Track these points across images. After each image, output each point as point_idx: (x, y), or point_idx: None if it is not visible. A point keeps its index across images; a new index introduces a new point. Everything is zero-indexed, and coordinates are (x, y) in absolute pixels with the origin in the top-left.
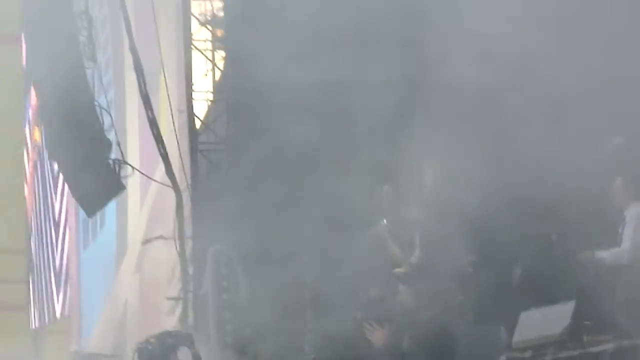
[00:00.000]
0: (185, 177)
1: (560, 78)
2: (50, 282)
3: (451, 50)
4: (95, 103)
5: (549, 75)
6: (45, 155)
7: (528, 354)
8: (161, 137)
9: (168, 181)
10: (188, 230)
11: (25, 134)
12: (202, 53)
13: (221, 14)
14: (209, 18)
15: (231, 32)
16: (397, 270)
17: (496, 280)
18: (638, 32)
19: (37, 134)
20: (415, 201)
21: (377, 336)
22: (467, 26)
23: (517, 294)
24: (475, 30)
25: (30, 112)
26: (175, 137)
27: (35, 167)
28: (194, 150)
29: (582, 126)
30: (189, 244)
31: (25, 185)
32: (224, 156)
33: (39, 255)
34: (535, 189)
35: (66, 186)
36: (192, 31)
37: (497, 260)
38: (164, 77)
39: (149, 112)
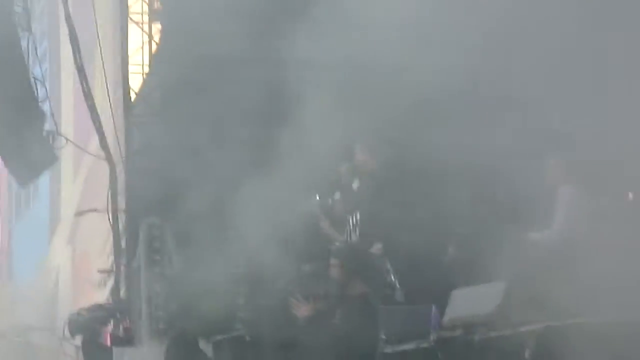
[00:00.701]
0: (120, 149)
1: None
2: None
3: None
4: (30, 74)
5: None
6: None
7: (458, 332)
8: (96, 109)
9: (102, 154)
10: (121, 203)
11: None
12: (138, 26)
13: None
14: None
15: (167, 5)
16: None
17: (428, 259)
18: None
19: None
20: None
21: (303, 311)
22: None
23: (450, 273)
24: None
25: None
26: (110, 109)
27: None
28: (128, 123)
29: (515, 107)
30: (122, 217)
31: None
32: (159, 129)
33: None
34: (468, 169)
35: None
36: (129, 4)
37: (429, 239)
38: (100, 49)
39: (84, 84)
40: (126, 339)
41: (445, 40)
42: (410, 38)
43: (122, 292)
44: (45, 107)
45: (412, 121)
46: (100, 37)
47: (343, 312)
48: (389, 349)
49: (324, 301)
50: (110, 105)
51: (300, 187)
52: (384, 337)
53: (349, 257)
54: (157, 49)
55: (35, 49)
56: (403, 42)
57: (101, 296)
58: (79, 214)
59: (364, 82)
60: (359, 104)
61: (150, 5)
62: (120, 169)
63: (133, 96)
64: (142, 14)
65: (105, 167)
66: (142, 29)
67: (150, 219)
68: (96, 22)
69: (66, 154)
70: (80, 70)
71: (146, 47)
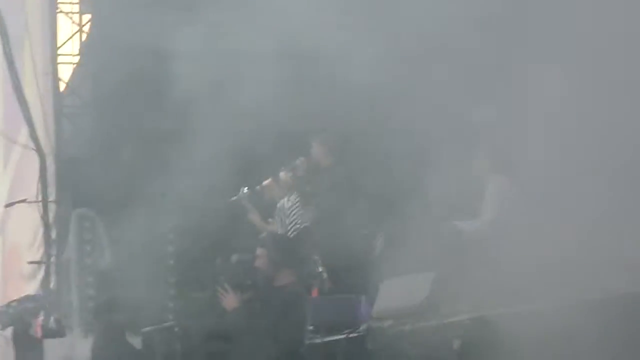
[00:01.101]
0: (50, 140)
1: None
2: None
3: None
4: None
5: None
6: None
7: (388, 323)
8: (25, 99)
9: (32, 144)
10: (52, 194)
11: None
12: (67, 16)
13: None
14: None
15: None
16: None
17: (358, 250)
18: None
19: None
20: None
21: (229, 301)
22: None
23: (379, 264)
24: None
25: None
26: (39, 100)
27: None
28: (58, 113)
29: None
30: (52, 208)
31: None
32: (89, 120)
33: None
34: (400, 159)
35: None
36: None
37: (358, 230)
38: (29, 39)
39: (13, 75)
40: (57, 331)
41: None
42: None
43: (53, 284)
44: None
45: (344, 111)
46: (29, 28)
47: (270, 302)
48: (317, 340)
49: (252, 292)
50: (40, 95)
51: (229, 178)
52: (311, 327)
53: (275, 248)
54: (87, 39)
55: None
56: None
57: (31, 288)
58: (9, 205)
59: (304, 73)
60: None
61: None
62: (50, 160)
63: (63, 87)
64: (71, 4)
65: (35, 158)
66: (72, 20)
67: (80, 209)
68: (25, 13)
69: None
70: (10, 60)
71: (76, 37)
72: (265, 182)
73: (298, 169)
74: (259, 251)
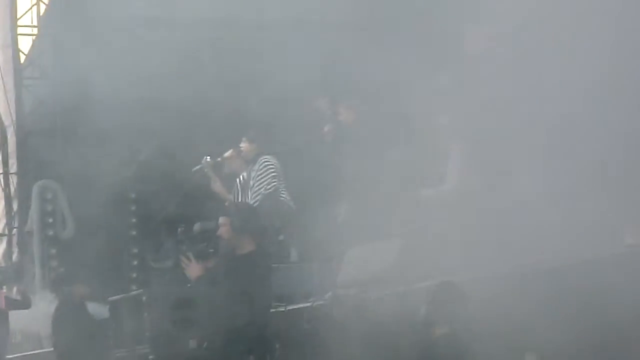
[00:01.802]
0: (10, 112)
1: None
2: None
3: None
4: None
5: None
6: None
7: (353, 291)
8: None
9: None
10: (13, 166)
11: None
12: None
13: None
14: None
15: None
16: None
17: (321, 218)
18: None
19: None
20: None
21: (192, 270)
22: None
23: (344, 231)
24: None
25: None
26: None
27: None
28: (18, 85)
29: None
30: (13, 180)
31: None
32: (50, 91)
33: None
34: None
35: None
36: None
37: (322, 198)
38: None
39: None
40: (21, 302)
41: None
42: None
43: (15, 256)
44: None
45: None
46: None
47: (233, 270)
48: (281, 308)
49: (215, 260)
50: (0, 67)
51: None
52: (276, 295)
53: (238, 216)
54: (46, 11)
55: None
56: None
57: None
58: None
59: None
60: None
61: None
62: (11, 131)
63: (23, 58)
64: None
65: None
66: None
67: (42, 181)
68: None
69: None
70: None
71: (35, 9)
72: (227, 154)
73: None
74: (222, 220)
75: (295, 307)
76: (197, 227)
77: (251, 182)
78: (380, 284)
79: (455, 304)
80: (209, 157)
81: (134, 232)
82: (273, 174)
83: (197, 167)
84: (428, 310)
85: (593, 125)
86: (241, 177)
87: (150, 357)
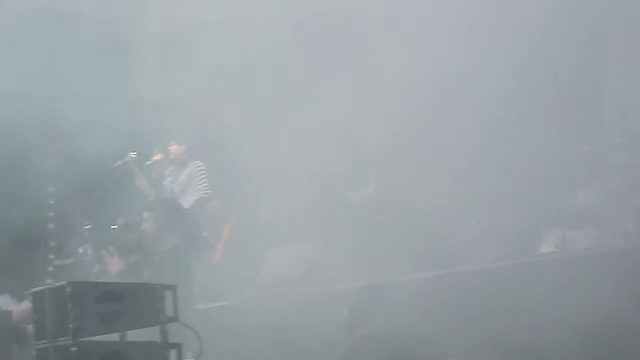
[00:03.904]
0: None
1: None
2: None
3: None
4: None
5: None
6: None
7: (273, 291)
8: None
9: None
10: None
11: None
12: None
13: None
14: None
15: None
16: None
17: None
18: None
19: None
20: None
21: (113, 264)
22: None
23: (265, 232)
24: None
25: None
26: None
27: None
28: None
29: None
30: None
31: None
32: None
33: None
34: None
35: None
36: None
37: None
38: None
39: None
40: None
41: None
42: None
43: None
44: None
45: None
46: None
47: (155, 266)
48: (201, 305)
49: (137, 255)
50: None
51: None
52: (196, 292)
53: (162, 211)
54: None
55: None
56: None
57: None
58: None
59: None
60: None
61: None
62: None
63: None
64: None
65: None
66: None
67: None
68: None
69: None
70: None
71: None
72: (156, 157)
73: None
74: (146, 214)
75: (214, 305)
76: (120, 221)
77: (179, 187)
78: (302, 285)
79: (377, 306)
80: (133, 153)
81: (51, 226)
82: (205, 179)
83: (119, 162)
84: (350, 312)
85: (510, 131)
86: (168, 179)
87: (73, 349)
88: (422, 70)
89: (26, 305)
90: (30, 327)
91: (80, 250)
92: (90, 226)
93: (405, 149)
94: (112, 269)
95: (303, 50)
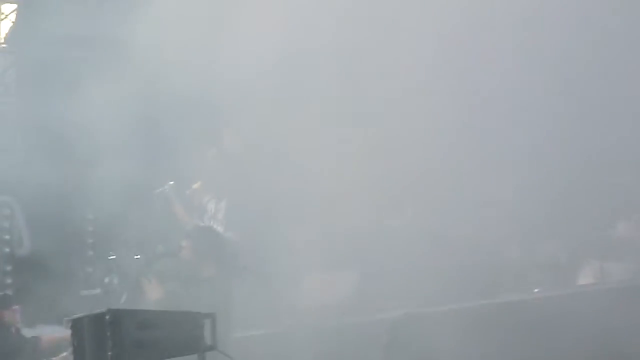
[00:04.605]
0: None
1: None
2: None
3: None
4: None
5: None
6: None
7: (311, 319)
8: None
9: None
10: None
11: None
12: None
13: None
14: None
15: None
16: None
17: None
18: None
19: None
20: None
21: (152, 292)
22: None
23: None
24: None
25: None
26: None
27: None
28: None
29: None
30: None
31: None
32: (13, 109)
33: None
34: None
35: None
36: None
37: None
38: None
39: None
40: None
41: None
42: None
43: None
44: None
45: None
46: None
47: (194, 294)
48: (240, 333)
49: (176, 283)
50: None
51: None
52: (235, 320)
53: (200, 239)
54: (12, 28)
55: None
56: None
57: None
58: None
59: None
60: None
61: None
62: None
63: None
64: None
65: None
66: None
67: None
68: None
69: None
70: None
71: (2, 25)
72: (196, 185)
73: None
74: (184, 242)
75: (254, 333)
76: (159, 249)
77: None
78: (340, 313)
79: (416, 336)
80: (172, 182)
81: (90, 253)
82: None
83: (160, 189)
84: (389, 342)
85: (551, 162)
86: (209, 207)
87: None
88: (464, 95)
89: (57, 332)
90: (62, 356)
91: (106, 280)
92: (114, 257)
93: (445, 175)
94: (150, 296)
95: (344, 70)
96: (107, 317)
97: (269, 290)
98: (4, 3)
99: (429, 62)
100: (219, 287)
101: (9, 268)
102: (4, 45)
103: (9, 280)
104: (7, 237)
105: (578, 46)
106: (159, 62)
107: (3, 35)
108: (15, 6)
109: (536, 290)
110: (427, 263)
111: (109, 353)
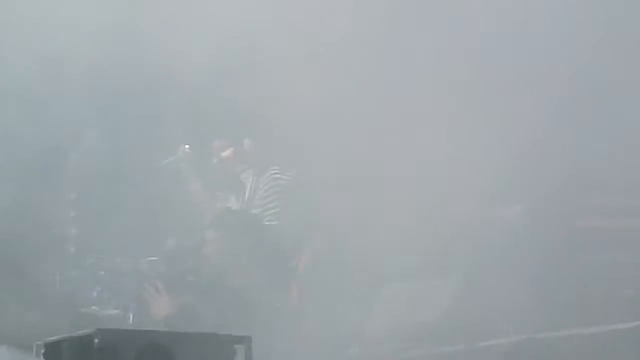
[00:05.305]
0: None
1: None
2: None
3: None
4: None
5: None
6: None
7: (389, 347)
8: None
9: None
10: None
11: None
12: None
13: None
14: None
15: None
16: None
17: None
18: None
19: None
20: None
21: (161, 305)
22: None
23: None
24: None
25: None
26: None
27: None
28: None
29: None
30: None
31: None
32: None
33: None
34: None
35: None
36: None
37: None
38: None
39: None
40: None
41: None
42: None
43: None
44: None
45: None
46: None
47: (218, 309)
48: None
49: (195, 293)
50: None
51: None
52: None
53: (232, 230)
54: None
55: None
56: None
57: None
58: None
59: None
60: None
61: None
62: None
63: None
64: None
65: None
66: None
67: None
68: None
69: None
70: None
71: None
72: (225, 153)
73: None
74: (210, 234)
75: None
76: (170, 243)
77: (256, 196)
78: (431, 338)
79: None
80: (187, 146)
81: (72, 251)
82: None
83: (171, 158)
84: None
85: None
86: (244, 184)
87: None
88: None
89: None
90: None
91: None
92: (105, 257)
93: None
94: (157, 311)
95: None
96: (95, 340)
97: (333, 305)
98: None
99: None
100: (257, 298)
101: None
102: None
103: None
104: None
105: None
106: None
107: None
108: None
109: None
110: (551, 268)
111: None
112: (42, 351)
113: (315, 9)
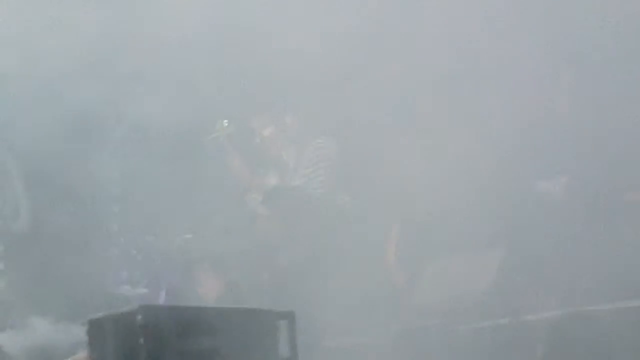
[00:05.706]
0: None
1: None
2: None
3: None
4: None
5: None
6: None
7: (436, 322)
8: None
9: None
10: None
11: None
12: None
13: None
14: None
15: None
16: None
17: None
18: None
19: None
20: None
21: (209, 286)
22: None
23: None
24: None
25: None
26: None
27: None
28: None
29: None
30: None
31: None
32: None
33: None
34: None
35: None
36: None
37: None
38: None
39: None
40: None
41: None
42: None
43: None
44: None
45: None
46: None
47: (266, 285)
48: (330, 342)
49: (242, 271)
50: None
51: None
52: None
53: (293, 206)
54: None
55: None
56: None
57: None
58: None
59: None
60: None
61: None
62: None
63: None
64: None
65: None
66: None
67: None
68: None
69: None
70: None
71: None
72: (267, 131)
73: None
74: (263, 210)
75: (347, 341)
76: (218, 220)
77: (301, 172)
78: (477, 312)
79: (584, 344)
80: (226, 122)
81: (115, 229)
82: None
83: (213, 135)
84: (546, 352)
85: None
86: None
87: None
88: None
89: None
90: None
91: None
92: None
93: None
94: (206, 292)
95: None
96: (138, 317)
97: (379, 280)
98: None
99: None
100: (306, 275)
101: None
102: None
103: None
104: None
105: None
106: None
107: None
108: None
109: None
110: (595, 241)
111: None
112: (86, 328)
113: None
